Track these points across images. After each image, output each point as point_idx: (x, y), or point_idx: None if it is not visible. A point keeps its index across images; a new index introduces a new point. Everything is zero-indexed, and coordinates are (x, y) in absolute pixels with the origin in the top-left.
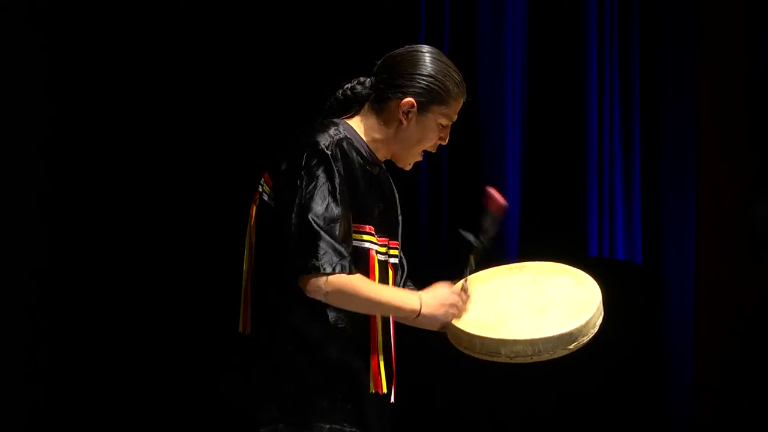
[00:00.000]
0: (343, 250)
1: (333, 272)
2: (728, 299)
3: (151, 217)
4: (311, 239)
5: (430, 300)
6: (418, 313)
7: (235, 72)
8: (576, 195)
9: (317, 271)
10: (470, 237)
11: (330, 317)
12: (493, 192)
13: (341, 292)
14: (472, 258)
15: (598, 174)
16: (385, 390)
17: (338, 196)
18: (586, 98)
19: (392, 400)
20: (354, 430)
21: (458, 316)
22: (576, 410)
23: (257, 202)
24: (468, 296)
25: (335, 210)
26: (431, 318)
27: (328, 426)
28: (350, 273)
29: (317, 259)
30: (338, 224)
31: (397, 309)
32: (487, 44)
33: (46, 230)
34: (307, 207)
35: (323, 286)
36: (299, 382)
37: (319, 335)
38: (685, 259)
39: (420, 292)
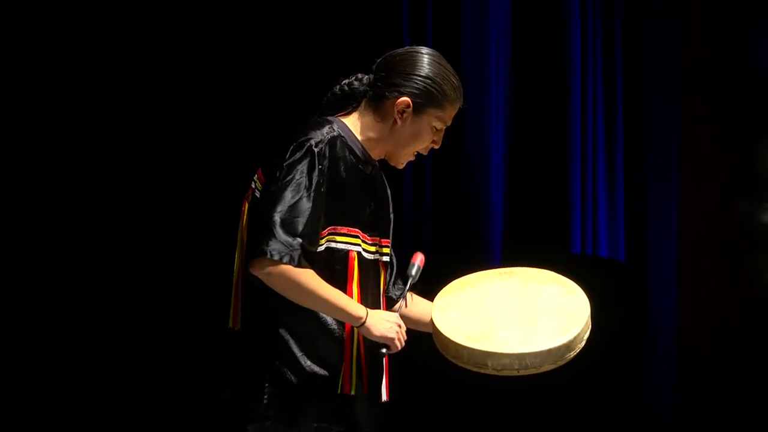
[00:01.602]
0: (296, 243)
1: (279, 261)
2: (711, 296)
3: (145, 214)
4: (269, 227)
5: (376, 315)
6: (363, 321)
7: (227, 69)
8: (559, 192)
9: (263, 255)
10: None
11: (320, 317)
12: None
13: (282, 278)
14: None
15: (581, 171)
16: (352, 392)
17: (312, 193)
18: (569, 96)
19: (384, 399)
20: (341, 429)
21: (394, 349)
22: (560, 407)
23: (249, 199)
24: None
25: (304, 205)
26: (372, 328)
27: (315, 425)
28: (297, 266)
29: (267, 245)
30: (303, 219)
31: (341, 310)
32: (471, 42)
33: (38, 228)
34: (276, 197)
35: (266, 267)
36: (288, 380)
37: (309, 334)
38: (668, 256)
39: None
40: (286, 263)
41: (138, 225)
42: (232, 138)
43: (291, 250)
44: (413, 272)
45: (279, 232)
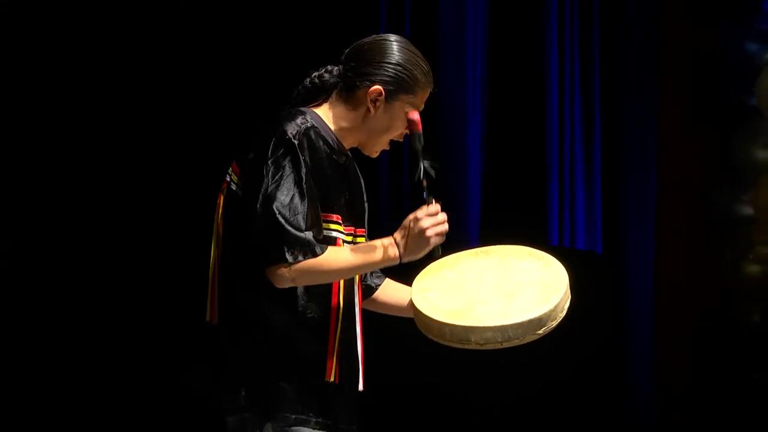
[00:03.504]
0: (309, 238)
1: (297, 261)
2: (688, 288)
3: (119, 209)
4: (276, 230)
5: (403, 238)
6: (400, 258)
7: (201, 63)
8: (537, 185)
9: (282, 262)
10: (422, 163)
11: (298, 307)
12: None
13: (307, 274)
14: (424, 182)
15: (558, 163)
16: (332, 379)
17: (304, 186)
18: (547, 91)
19: (361, 387)
20: (320, 419)
21: (441, 232)
22: (538, 398)
23: (224, 192)
24: (435, 203)
25: (301, 200)
26: (417, 250)
27: (294, 416)
28: (314, 256)
29: (282, 250)
30: (304, 214)
31: (376, 263)
32: (449, 38)
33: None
34: (272, 197)
35: (288, 274)
36: (266, 371)
37: (287, 325)
38: (645, 248)
39: (391, 236)
40: (302, 260)
41: (112, 221)
42: (206, 131)
43: (307, 245)
44: (418, 144)
45: (287, 232)
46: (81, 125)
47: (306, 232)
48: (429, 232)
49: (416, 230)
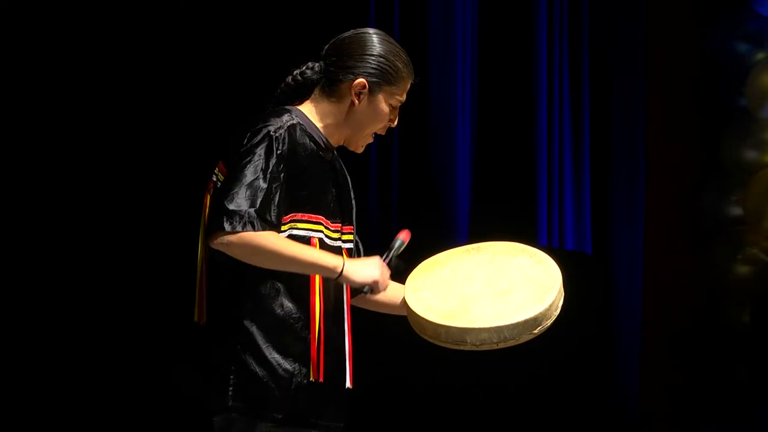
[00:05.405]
0: (252, 212)
1: (237, 231)
2: (677, 288)
3: (105, 209)
4: (225, 204)
5: (354, 261)
6: (341, 270)
7: (185, 62)
8: (526, 185)
9: (221, 229)
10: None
11: (284, 307)
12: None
13: (244, 245)
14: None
15: (547, 163)
16: (320, 378)
17: (269, 175)
18: (536, 93)
19: (348, 385)
20: (307, 418)
21: (378, 288)
22: (526, 397)
23: (211, 191)
24: (389, 270)
25: (260, 185)
26: (357, 275)
27: (281, 416)
28: (253, 229)
29: (224, 219)
30: (260, 196)
31: (315, 265)
32: (438, 31)
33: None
34: (234, 178)
35: (225, 238)
36: (252, 371)
37: (272, 325)
38: (634, 248)
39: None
40: (244, 230)
41: (99, 222)
42: (193, 131)
43: (249, 218)
44: (396, 245)
45: (234, 206)
46: (65, 126)
47: (253, 209)
48: (378, 276)
49: (374, 264)
